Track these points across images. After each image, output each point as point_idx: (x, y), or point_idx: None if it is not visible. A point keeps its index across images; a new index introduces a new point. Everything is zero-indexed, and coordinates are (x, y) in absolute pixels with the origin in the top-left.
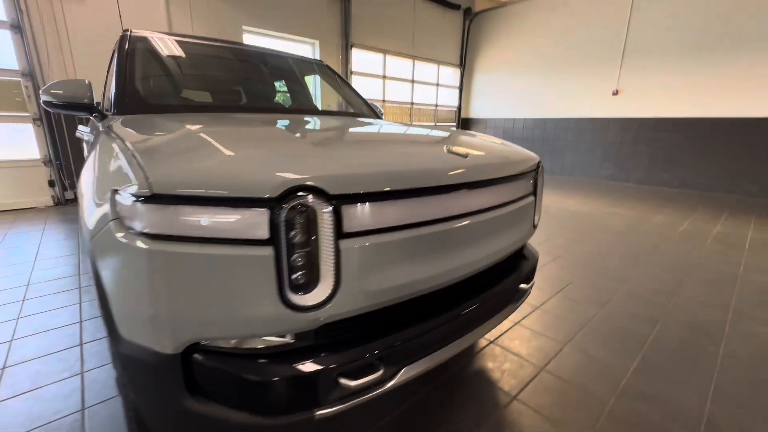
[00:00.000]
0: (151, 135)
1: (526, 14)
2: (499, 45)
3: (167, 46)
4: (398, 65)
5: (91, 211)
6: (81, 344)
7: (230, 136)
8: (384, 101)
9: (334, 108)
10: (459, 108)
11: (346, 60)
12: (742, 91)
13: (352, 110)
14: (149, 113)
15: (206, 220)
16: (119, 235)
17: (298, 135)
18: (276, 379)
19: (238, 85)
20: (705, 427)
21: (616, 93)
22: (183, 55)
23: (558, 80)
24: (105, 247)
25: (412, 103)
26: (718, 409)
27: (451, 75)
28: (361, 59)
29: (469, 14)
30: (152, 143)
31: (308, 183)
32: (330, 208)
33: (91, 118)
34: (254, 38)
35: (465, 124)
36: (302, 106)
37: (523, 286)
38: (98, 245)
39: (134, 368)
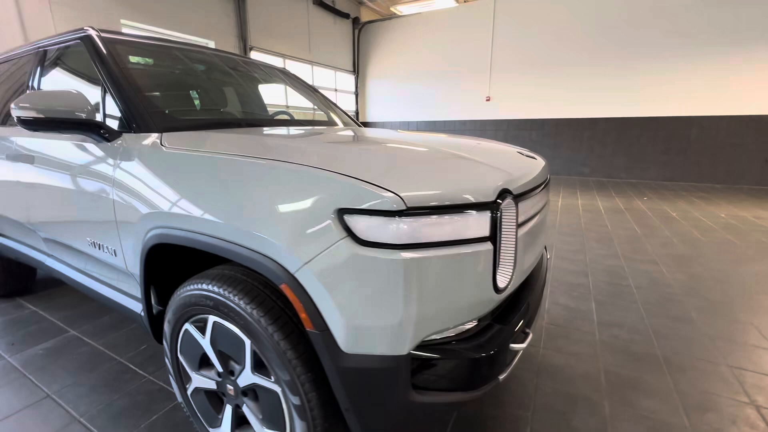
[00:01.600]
0: (328, 152)
1: (408, 28)
2: (388, 54)
3: (151, 51)
4: (297, 70)
5: (285, 239)
6: None
7: (406, 152)
8: (287, 106)
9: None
10: (357, 112)
11: None
12: (575, 98)
13: (342, 119)
14: (184, 129)
15: (442, 226)
16: (359, 250)
17: (438, 148)
18: (483, 356)
19: (239, 96)
20: (654, 335)
21: (488, 99)
22: (172, 61)
23: (442, 87)
24: (335, 267)
25: (314, 109)
26: (654, 321)
27: (347, 80)
28: None
29: (357, 23)
30: (360, 161)
31: (506, 187)
32: (516, 206)
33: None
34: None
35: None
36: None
37: None
38: (320, 267)
39: (358, 378)
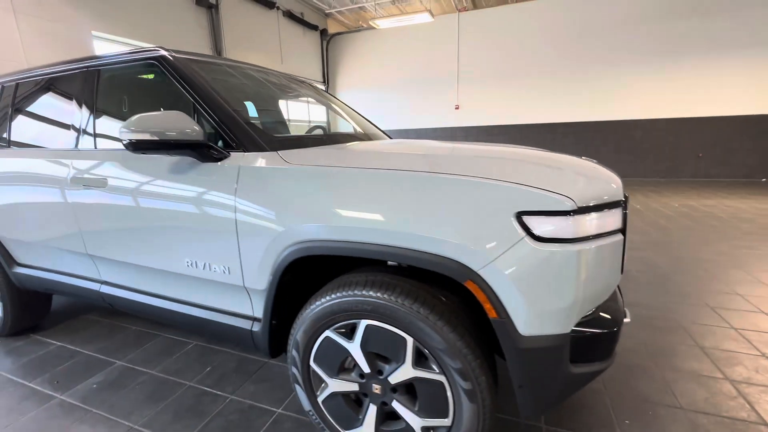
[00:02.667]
0: (492, 165)
1: (375, 40)
2: (356, 65)
3: (221, 71)
4: None
5: (468, 242)
6: None
7: (535, 163)
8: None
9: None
10: (328, 123)
11: None
12: (536, 105)
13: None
14: (292, 147)
15: (597, 221)
16: (538, 246)
17: (552, 158)
18: (615, 329)
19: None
20: (668, 310)
21: (457, 107)
22: (244, 79)
23: (412, 97)
24: (518, 262)
25: (288, 120)
26: (663, 299)
27: None
28: None
29: (325, 35)
30: (521, 172)
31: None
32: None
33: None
34: (106, 45)
35: None
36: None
37: None
38: (504, 263)
39: (533, 356)
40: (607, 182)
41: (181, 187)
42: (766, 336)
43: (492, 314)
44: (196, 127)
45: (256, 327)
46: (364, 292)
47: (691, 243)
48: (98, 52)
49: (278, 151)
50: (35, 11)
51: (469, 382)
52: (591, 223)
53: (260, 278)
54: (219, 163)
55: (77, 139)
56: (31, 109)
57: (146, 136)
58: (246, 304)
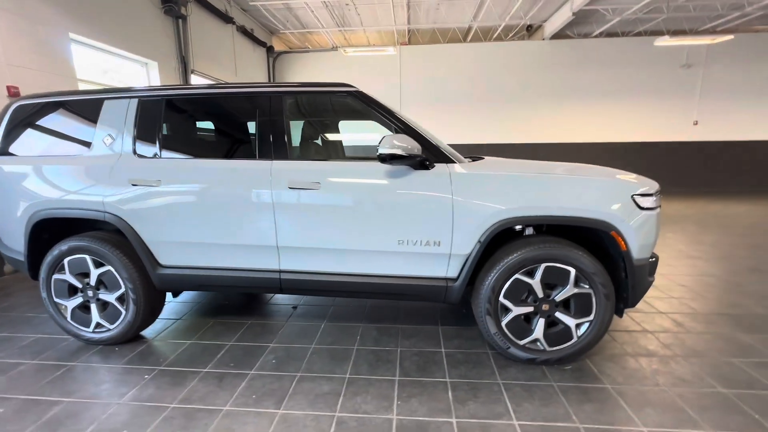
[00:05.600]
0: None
1: (320, 62)
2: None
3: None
4: None
5: (615, 212)
6: None
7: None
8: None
9: None
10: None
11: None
12: (471, 126)
13: None
14: (457, 161)
15: (648, 200)
16: (643, 212)
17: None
18: (657, 258)
19: None
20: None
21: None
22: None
23: None
24: (635, 220)
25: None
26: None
27: None
28: None
29: (272, 52)
30: (618, 173)
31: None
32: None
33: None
34: (84, 50)
35: None
36: None
37: None
38: (630, 221)
39: (640, 271)
40: (651, 180)
41: (400, 187)
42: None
43: (623, 248)
44: (419, 146)
45: (451, 283)
46: (551, 246)
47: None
48: (74, 58)
49: (460, 163)
50: (16, 9)
51: (607, 289)
52: (657, 200)
53: (466, 246)
54: (429, 170)
55: (271, 148)
56: (185, 123)
57: (398, 152)
58: (442, 267)
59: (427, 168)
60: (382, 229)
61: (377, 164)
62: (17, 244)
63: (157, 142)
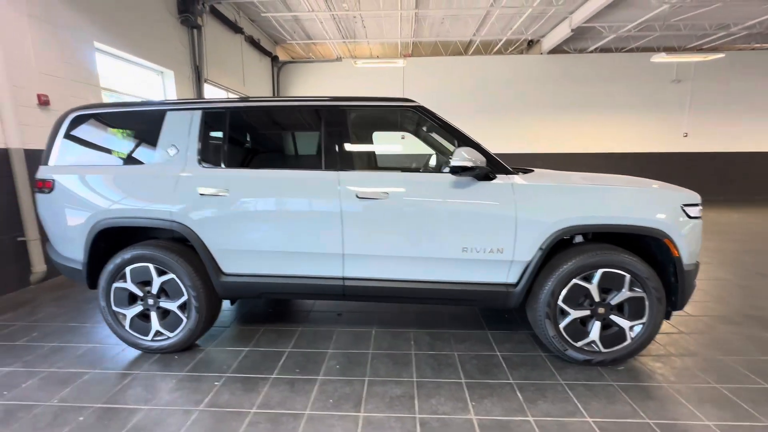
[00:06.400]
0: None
1: (323, 72)
2: (307, 94)
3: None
4: None
5: (667, 220)
6: None
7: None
8: None
9: None
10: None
11: (200, 95)
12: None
13: None
14: (514, 173)
15: (695, 210)
16: (691, 221)
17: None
18: (698, 261)
19: None
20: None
21: (403, 137)
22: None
23: None
24: (685, 228)
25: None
26: None
27: None
28: (208, 96)
29: (277, 62)
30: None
31: None
32: None
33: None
34: (105, 59)
35: None
36: None
37: None
38: (681, 228)
39: (689, 276)
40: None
41: (465, 197)
42: None
43: (675, 254)
44: (484, 159)
45: (511, 289)
46: (608, 253)
47: None
48: (99, 67)
49: (519, 174)
50: (46, 16)
51: (659, 293)
52: (701, 210)
53: (527, 253)
54: (492, 181)
55: (337, 159)
56: (249, 135)
57: (468, 164)
58: (503, 273)
59: (490, 179)
60: (448, 237)
61: (442, 175)
62: (74, 253)
63: (222, 153)
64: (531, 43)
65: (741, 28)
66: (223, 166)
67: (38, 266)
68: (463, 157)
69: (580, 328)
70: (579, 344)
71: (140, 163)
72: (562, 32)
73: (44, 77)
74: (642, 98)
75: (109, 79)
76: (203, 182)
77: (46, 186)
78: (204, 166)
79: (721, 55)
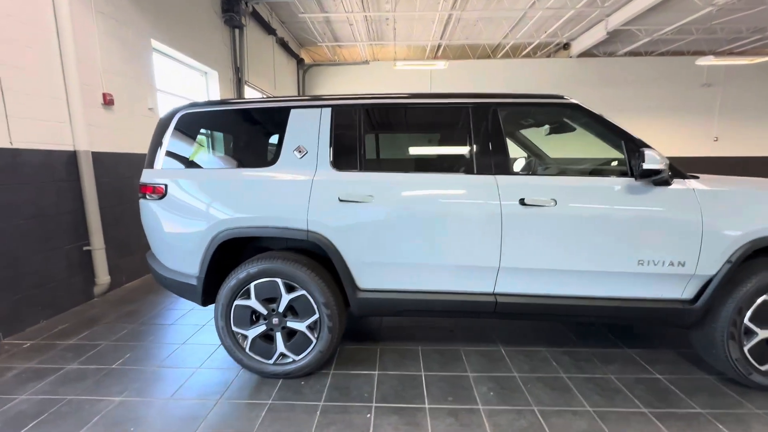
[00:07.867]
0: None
1: (348, 74)
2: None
3: None
4: None
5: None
6: None
7: None
8: None
9: None
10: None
11: (240, 97)
12: None
13: None
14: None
15: None
16: None
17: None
18: None
19: None
20: None
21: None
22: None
23: None
24: None
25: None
26: None
27: None
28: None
29: (303, 65)
30: None
31: None
32: None
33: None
34: (160, 59)
35: None
36: None
37: None
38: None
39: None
40: None
41: (644, 204)
42: None
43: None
44: (667, 161)
45: (688, 305)
46: None
47: None
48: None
49: (698, 178)
50: (111, 11)
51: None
52: None
53: (712, 267)
54: (670, 186)
55: (491, 162)
56: (390, 134)
57: (661, 167)
58: (678, 289)
59: (667, 184)
60: (623, 249)
61: (615, 179)
62: (186, 266)
63: (359, 155)
64: (568, 47)
65: None
66: (360, 169)
67: (102, 277)
68: (655, 159)
69: (765, 349)
70: (765, 368)
71: (260, 166)
72: (596, 35)
73: (108, 76)
74: (672, 102)
75: (158, 79)
76: (343, 187)
77: (157, 191)
78: (340, 170)
79: (765, 59)
